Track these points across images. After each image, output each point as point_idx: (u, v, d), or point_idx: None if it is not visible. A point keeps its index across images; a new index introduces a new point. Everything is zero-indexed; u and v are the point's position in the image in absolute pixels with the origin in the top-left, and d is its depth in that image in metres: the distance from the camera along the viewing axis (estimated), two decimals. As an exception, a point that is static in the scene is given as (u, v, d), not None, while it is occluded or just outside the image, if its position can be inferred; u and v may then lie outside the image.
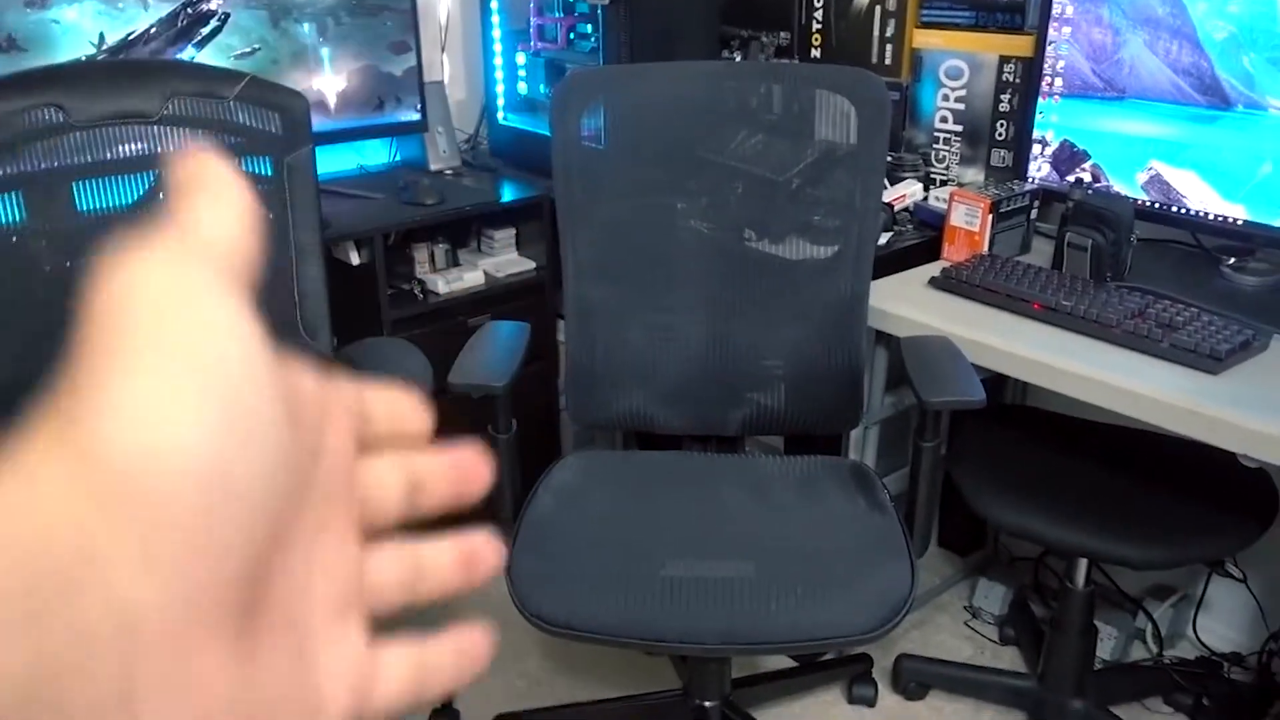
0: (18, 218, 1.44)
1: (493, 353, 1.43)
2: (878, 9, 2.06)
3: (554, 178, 1.58)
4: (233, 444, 0.22)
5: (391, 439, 0.30)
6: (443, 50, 2.40)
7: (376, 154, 2.29)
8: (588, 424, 1.70)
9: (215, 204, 0.25)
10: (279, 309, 1.55)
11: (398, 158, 2.31)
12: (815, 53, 2.18)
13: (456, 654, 0.31)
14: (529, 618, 1.32)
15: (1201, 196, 1.66)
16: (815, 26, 2.17)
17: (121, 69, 1.55)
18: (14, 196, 1.44)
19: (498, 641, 0.31)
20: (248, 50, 1.86)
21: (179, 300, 0.22)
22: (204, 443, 0.21)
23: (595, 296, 1.62)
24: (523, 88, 2.34)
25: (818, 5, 2.15)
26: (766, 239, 1.68)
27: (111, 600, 0.20)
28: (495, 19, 2.32)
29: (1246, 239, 1.66)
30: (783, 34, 2.22)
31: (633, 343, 1.63)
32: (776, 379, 1.65)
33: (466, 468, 0.31)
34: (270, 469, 0.23)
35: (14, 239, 1.45)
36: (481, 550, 0.31)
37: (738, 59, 2.26)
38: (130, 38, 1.73)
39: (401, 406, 0.30)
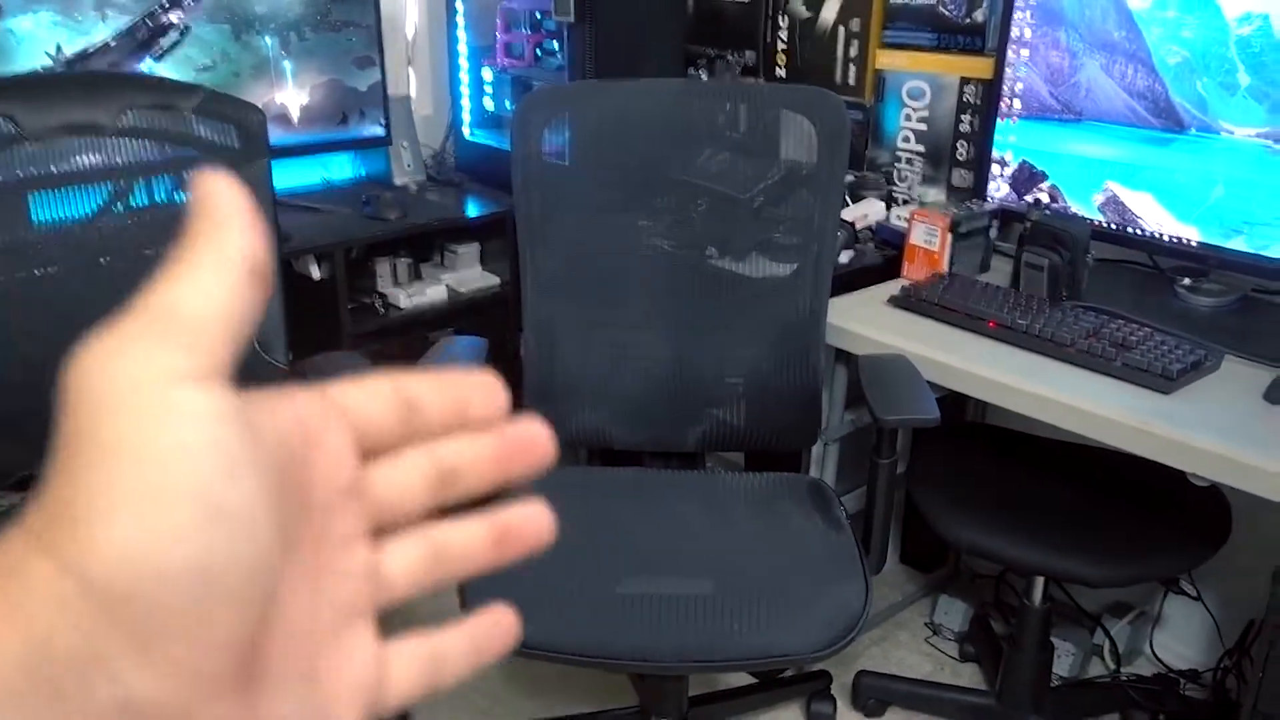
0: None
1: (449, 367, 1.42)
2: (841, 30, 2.08)
3: (514, 193, 1.58)
4: (211, 537, 0.22)
5: (451, 422, 0.30)
6: (409, 65, 2.40)
7: (341, 168, 2.28)
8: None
9: (202, 269, 0.24)
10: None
11: (362, 172, 2.31)
12: (781, 72, 2.20)
13: (474, 638, 0.31)
14: (483, 636, 1.30)
15: (1157, 218, 1.69)
16: (780, 46, 2.18)
17: (74, 81, 1.54)
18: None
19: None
20: (209, 64, 1.85)
21: (145, 395, 0.22)
22: (181, 543, 0.22)
23: (555, 312, 1.62)
24: (489, 104, 2.34)
25: (783, 25, 2.17)
26: (728, 256, 1.68)
27: (117, 693, 0.21)
28: (462, 35, 2.32)
29: (1200, 260, 1.68)
30: (748, 53, 2.23)
31: (592, 359, 1.63)
32: (737, 395, 1.65)
33: (524, 441, 0.31)
34: (255, 547, 0.23)
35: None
36: (522, 524, 0.32)
37: (704, 77, 2.28)
38: (88, 50, 1.72)
39: (461, 390, 0.30)
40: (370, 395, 0.29)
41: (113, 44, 1.73)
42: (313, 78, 1.98)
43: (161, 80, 1.54)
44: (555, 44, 2.18)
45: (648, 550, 1.45)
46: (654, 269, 1.65)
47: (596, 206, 1.64)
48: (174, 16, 1.78)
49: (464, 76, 2.35)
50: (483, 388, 0.31)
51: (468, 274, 2.14)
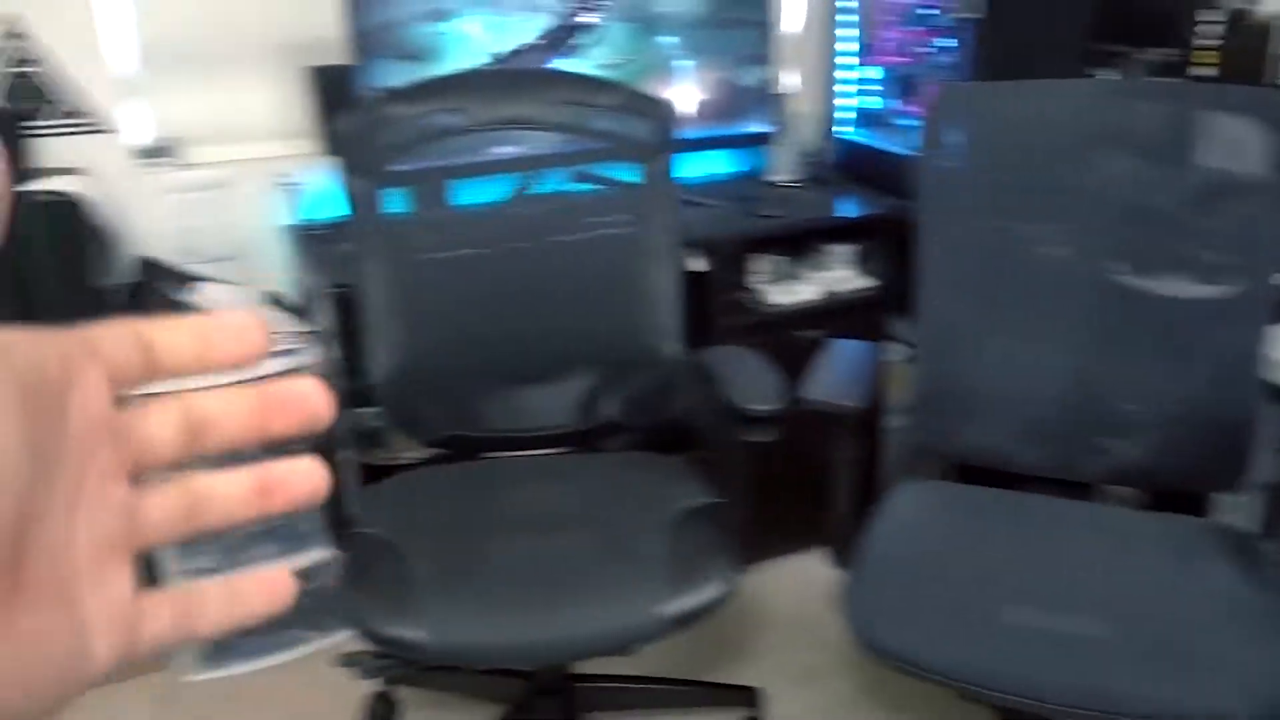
0: (404, 208, 1.58)
1: (845, 371, 1.41)
2: (1288, 23, 1.84)
3: (918, 193, 1.53)
4: None
5: (207, 363, 0.30)
6: (793, 63, 2.41)
7: (719, 163, 2.34)
8: (933, 452, 1.63)
9: None
10: (628, 311, 1.61)
11: (740, 168, 2.35)
12: (1205, 71, 1.99)
13: (234, 593, 0.32)
14: (866, 648, 1.28)
15: None
16: (1208, 43, 1.97)
17: (517, 77, 1.67)
18: (404, 191, 1.59)
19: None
20: (616, 61, 1.95)
21: None
22: None
23: (950, 320, 1.56)
24: (870, 102, 2.30)
25: (1211, 19, 1.96)
26: (1140, 272, 1.55)
27: None
28: (846, 32, 2.30)
29: None
30: (1164, 50, 2.04)
31: (988, 372, 1.55)
32: (1143, 426, 1.52)
33: (286, 398, 0.31)
34: (2, 459, 0.24)
35: (403, 227, 1.59)
36: (289, 478, 0.32)
37: (1109, 76, 2.11)
38: (516, 48, 1.87)
39: (223, 333, 0.31)
40: (115, 340, 0.29)
41: (537, 43, 1.87)
42: (707, 75, 2.04)
43: (588, 76, 1.64)
44: (945, 41, 2.11)
45: (1035, 581, 1.37)
46: (1054, 281, 1.55)
47: (994, 211, 1.56)
48: (591, 17, 1.89)
49: (846, 74, 2.32)
50: (233, 330, 0.30)
51: (841, 275, 2.12)
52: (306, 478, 0.32)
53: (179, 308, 1.83)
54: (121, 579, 0.29)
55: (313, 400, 0.32)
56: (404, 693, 1.84)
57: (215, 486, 0.32)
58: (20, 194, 1.69)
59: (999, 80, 1.90)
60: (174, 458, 0.31)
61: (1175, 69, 2.03)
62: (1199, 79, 1.99)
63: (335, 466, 1.57)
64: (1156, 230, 1.50)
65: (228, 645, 1.93)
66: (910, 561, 1.40)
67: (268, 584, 0.33)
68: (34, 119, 1.83)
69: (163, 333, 0.31)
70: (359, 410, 1.95)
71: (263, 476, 0.32)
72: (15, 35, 1.79)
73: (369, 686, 1.79)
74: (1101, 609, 1.30)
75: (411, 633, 1.28)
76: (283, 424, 0.32)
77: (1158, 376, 1.50)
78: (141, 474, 0.30)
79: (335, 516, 1.49)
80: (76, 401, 0.28)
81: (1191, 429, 1.47)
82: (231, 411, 0.31)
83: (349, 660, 1.72)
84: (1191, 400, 1.47)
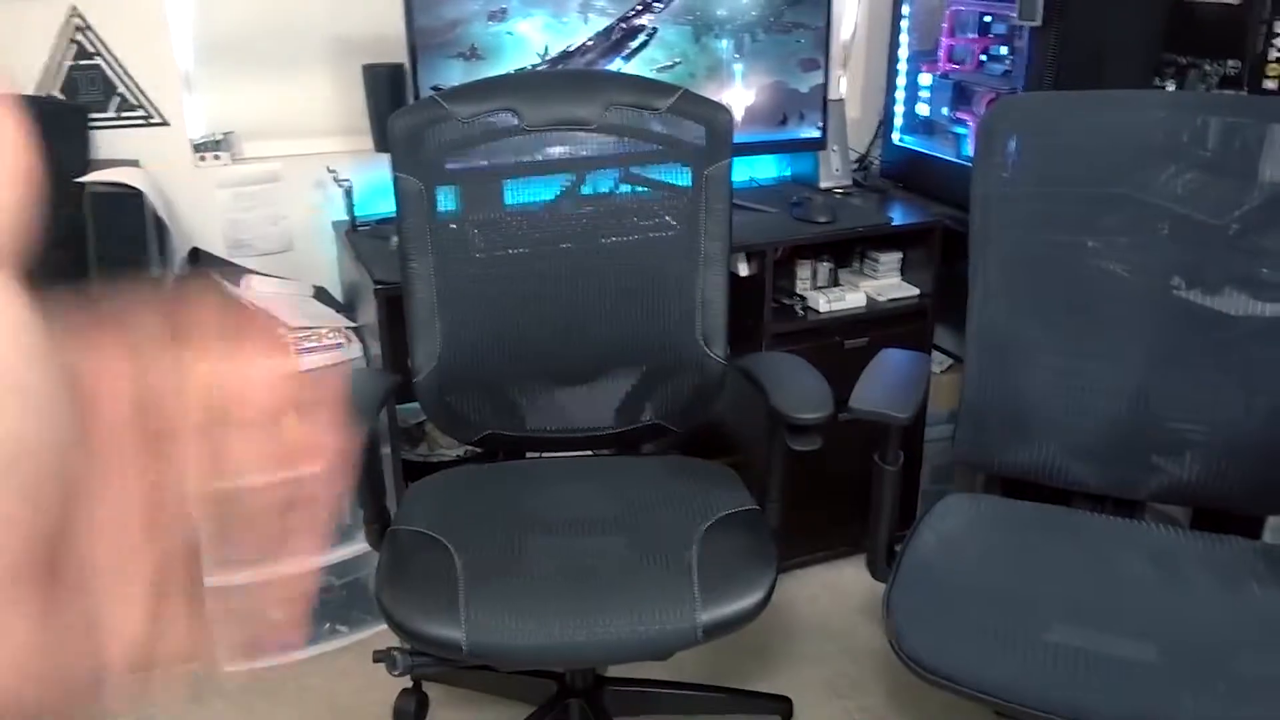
0: (455, 207, 1.59)
1: (894, 381, 1.39)
2: (1359, 37, 1.79)
3: (971, 204, 1.51)
4: (10, 416, 0.23)
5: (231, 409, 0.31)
6: (844, 68, 2.39)
7: (767, 168, 2.32)
8: (978, 466, 1.61)
9: None
10: (674, 314, 1.60)
11: (788, 172, 2.33)
12: (1271, 85, 1.94)
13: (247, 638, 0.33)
14: (904, 659, 1.27)
15: None
16: (1275, 55, 1.93)
17: (571, 79, 1.67)
18: (454, 189, 1.59)
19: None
20: (669, 64, 1.94)
21: None
22: None
23: (1001, 333, 1.53)
24: (923, 109, 2.27)
25: None
26: (1198, 289, 1.51)
27: None
28: (904, 39, 2.27)
29: None
30: (1230, 62, 1.99)
31: (1041, 386, 1.53)
32: (1197, 445, 1.48)
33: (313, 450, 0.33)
34: (52, 435, 0.24)
35: (452, 226, 1.60)
36: (303, 441, 0.33)
37: (1170, 88, 2.07)
38: (570, 49, 1.87)
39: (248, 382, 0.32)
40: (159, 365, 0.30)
41: (590, 44, 1.87)
42: (759, 79, 2.03)
43: (642, 79, 1.64)
44: (1003, 49, 2.08)
45: (1080, 600, 1.34)
46: (1108, 295, 1.52)
47: (1049, 223, 1.53)
48: (645, 19, 1.88)
49: (901, 80, 2.30)
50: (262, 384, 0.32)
51: (887, 283, 2.10)
52: (323, 444, 0.34)
53: (228, 300, 1.85)
54: (138, 596, 0.30)
55: (328, 454, 0.33)
56: (435, 689, 1.85)
57: (233, 445, 0.33)
58: (79, 184, 1.72)
59: (1057, 90, 1.87)
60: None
61: (1243, 82, 1.98)
62: (1267, 92, 1.94)
63: (376, 463, 1.58)
64: (1217, 246, 1.47)
65: (263, 637, 1.95)
66: (953, 575, 1.38)
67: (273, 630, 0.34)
68: (95, 111, 1.86)
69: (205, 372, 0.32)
70: (401, 407, 1.97)
71: (281, 440, 0.33)
72: (79, 29, 1.83)
73: (401, 682, 1.79)
74: (1148, 631, 1.27)
75: (449, 632, 1.28)
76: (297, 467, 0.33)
77: (1214, 395, 1.46)
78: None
79: (374, 513, 1.50)
80: (106, 407, 0.29)
81: (1246, 449, 1.44)
82: (251, 454, 0.33)
83: (382, 656, 1.72)
84: (1247, 420, 1.43)
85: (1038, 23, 1.81)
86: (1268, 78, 1.95)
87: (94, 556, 0.28)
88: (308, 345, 1.79)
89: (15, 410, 0.24)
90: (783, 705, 1.78)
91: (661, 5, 1.89)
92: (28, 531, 0.25)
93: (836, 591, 2.14)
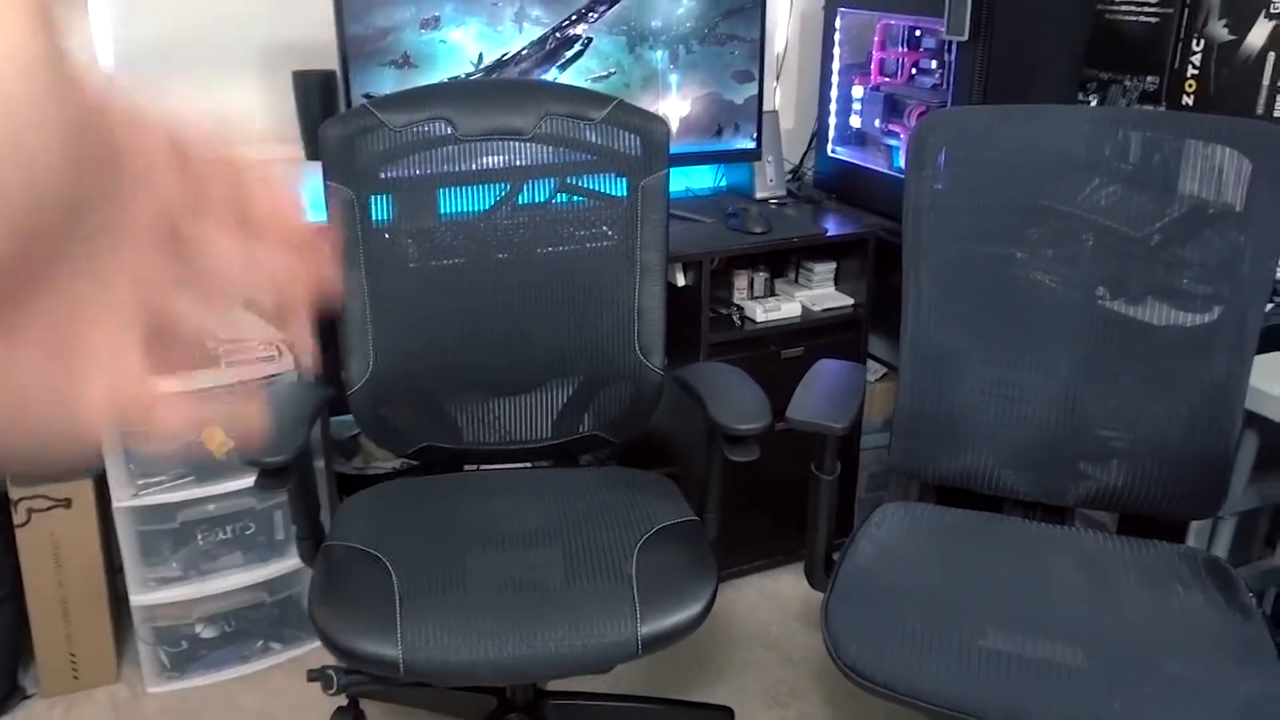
0: (388, 217, 1.57)
1: (830, 392, 1.40)
2: (1271, 55, 1.86)
3: (904, 215, 1.53)
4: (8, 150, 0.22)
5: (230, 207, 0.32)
6: (777, 79, 2.42)
7: (702, 178, 2.33)
8: (913, 474, 1.63)
9: None
10: (611, 324, 1.60)
11: (723, 183, 2.34)
12: (1187, 100, 2.00)
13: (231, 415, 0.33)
14: (842, 668, 1.27)
15: None
16: (1191, 72, 1.99)
17: (506, 88, 1.66)
18: (386, 198, 1.57)
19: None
20: (604, 74, 1.94)
21: None
22: None
23: (934, 343, 1.55)
24: (856, 121, 2.30)
25: (1196, 49, 1.98)
26: (1122, 299, 1.55)
27: None
28: (837, 51, 2.30)
29: None
30: (1149, 78, 2.06)
31: (973, 395, 1.55)
32: (1123, 452, 1.52)
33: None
34: (39, 161, 0.23)
35: (386, 235, 1.58)
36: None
37: (1094, 103, 2.12)
38: (504, 58, 1.85)
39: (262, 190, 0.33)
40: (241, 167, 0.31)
41: (525, 53, 1.86)
42: (695, 90, 2.03)
43: (578, 89, 1.63)
44: (932, 63, 2.11)
45: (1013, 606, 1.36)
46: (1036, 305, 1.55)
47: (979, 234, 1.56)
48: (580, 29, 1.88)
49: (833, 93, 2.32)
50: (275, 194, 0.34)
51: (822, 293, 2.12)
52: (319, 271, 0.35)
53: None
54: (131, 357, 0.29)
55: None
56: (372, 706, 1.81)
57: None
58: None
59: (985, 103, 1.91)
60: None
61: (1161, 97, 2.05)
62: (1184, 107, 2.01)
63: (309, 476, 1.54)
64: (1139, 258, 1.51)
65: (191, 656, 1.89)
66: (889, 583, 1.39)
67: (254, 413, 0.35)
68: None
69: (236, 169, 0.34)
70: (335, 419, 1.93)
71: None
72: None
73: (337, 700, 1.76)
74: (1079, 635, 1.30)
75: (385, 650, 1.25)
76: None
77: (1140, 403, 1.50)
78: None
79: (308, 527, 1.47)
80: (136, 162, 0.29)
81: (1171, 456, 1.48)
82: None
83: (317, 675, 1.69)
84: (1172, 427, 1.47)
85: (965, 38, 1.85)
86: (1185, 93, 2.02)
87: (79, 311, 0.28)
88: (236, 359, 1.74)
89: (6, 121, 0.23)
90: (724, 715, 1.79)
91: (596, 15, 1.89)
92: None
93: (775, 600, 2.16)
